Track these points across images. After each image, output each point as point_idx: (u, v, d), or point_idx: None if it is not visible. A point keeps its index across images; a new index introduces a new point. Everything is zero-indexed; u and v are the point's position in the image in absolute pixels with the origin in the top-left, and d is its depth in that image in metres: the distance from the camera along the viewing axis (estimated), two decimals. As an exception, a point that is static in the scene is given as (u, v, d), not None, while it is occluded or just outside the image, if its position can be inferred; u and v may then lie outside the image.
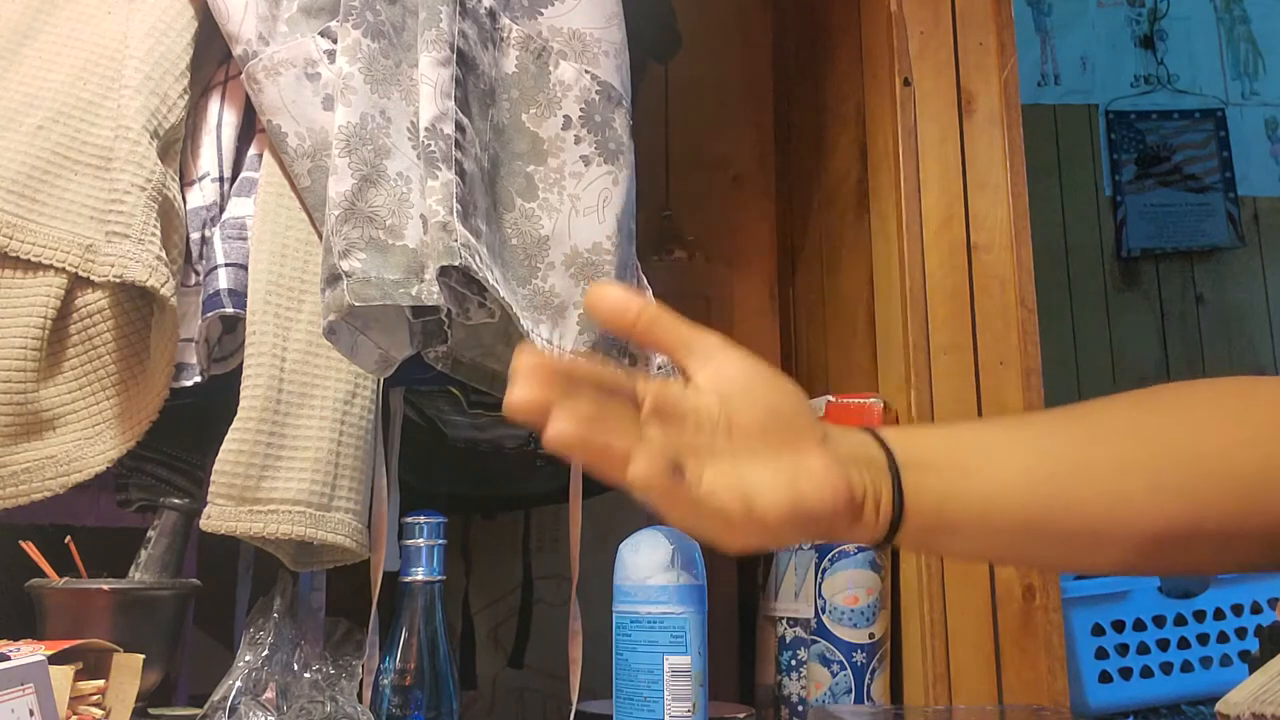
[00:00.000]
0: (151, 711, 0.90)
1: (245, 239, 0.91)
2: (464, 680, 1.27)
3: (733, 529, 0.47)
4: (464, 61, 0.84)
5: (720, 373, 0.51)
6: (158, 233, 0.88)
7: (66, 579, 0.88)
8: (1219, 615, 1.24)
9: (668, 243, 1.54)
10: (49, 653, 0.72)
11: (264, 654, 0.88)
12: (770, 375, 0.52)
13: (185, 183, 0.95)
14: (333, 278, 0.78)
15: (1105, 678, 1.20)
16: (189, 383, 0.90)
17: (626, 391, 0.49)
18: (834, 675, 0.97)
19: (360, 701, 0.87)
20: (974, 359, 0.98)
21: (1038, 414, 0.79)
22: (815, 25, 1.43)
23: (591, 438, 0.46)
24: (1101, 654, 1.20)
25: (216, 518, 0.83)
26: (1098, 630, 1.21)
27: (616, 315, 0.50)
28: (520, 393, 0.45)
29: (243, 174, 0.95)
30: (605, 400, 0.47)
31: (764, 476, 0.48)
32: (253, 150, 0.96)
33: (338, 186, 0.79)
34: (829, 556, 1.00)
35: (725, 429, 0.50)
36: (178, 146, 0.94)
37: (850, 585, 0.98)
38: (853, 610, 0.98)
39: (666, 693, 0.84)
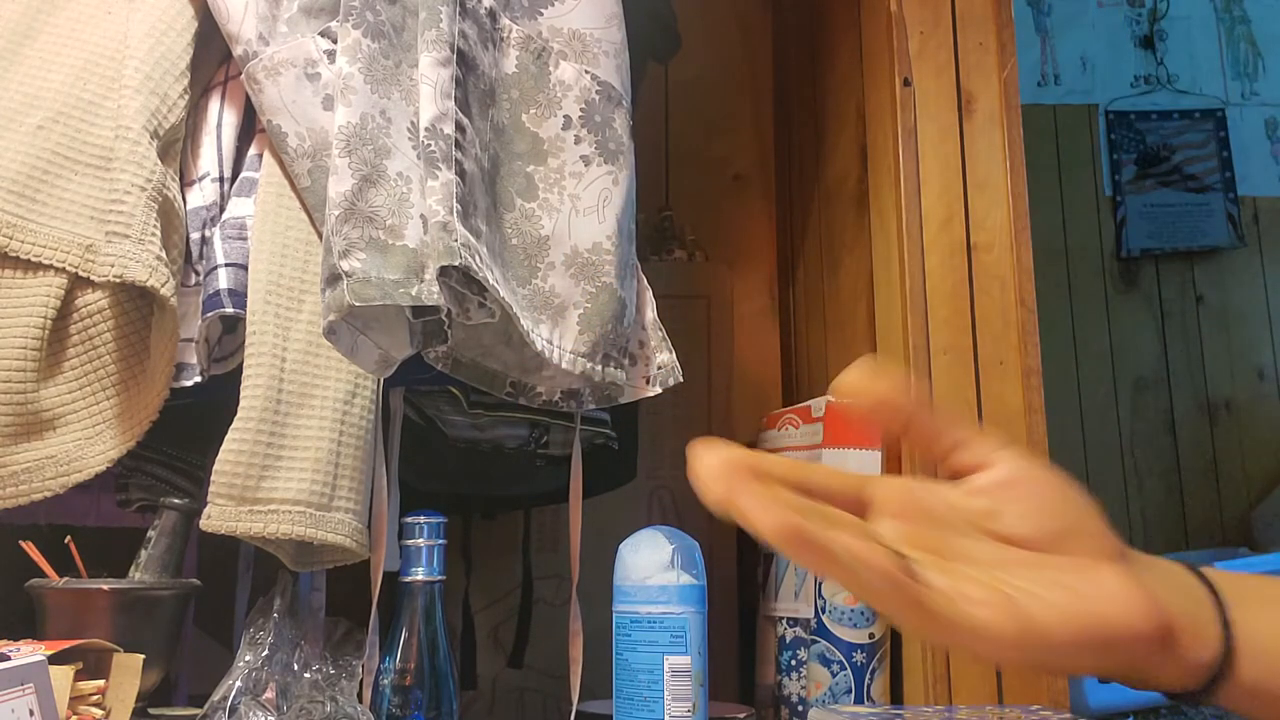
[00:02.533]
0: (151, 711, 0.90)
1: (245, 239, 0.91)
2: (464, 680, 1.27)
3: (998, 643, 0.39)
4: (464, 61, 0.84)
5: (996, 475, 0.44)
6: (158, 233, 0.88)
7: (66, 579, 0.88)
8: (1219, 615, 1.24)
9: (668, 243, 1.54)
10: (49, 653, 0.72)
11: (264, 654, 0.88)
12: (1057, 482, 0.45)
13: (185, 183, 0.95)
14: (333, 278, 0.78)
15: (1105, 677, 1.20)
16: (189, 383, 0.90)
17: (842, 496, 0.42)
18: (834, 675, 0.97)
19: (360, 701, 0.87)
20: (974, 359, 0.98)
21: None
22: (815, 25, 1.43)
23: (806, 528, 0.37)
24: (1101, 654, 1.20)
25: (216, 518, 0.83)
26: (1098, 630, 1.21)
27: (886, 400, 0.43)
28: (714, 493, 0.37)
29: (243, 174, 0.95)
30: (814, 500, 0.40)
31: (1038, 587, 0.40)
32: (253, 150, 0.97)
33: (338, 186, 0.79)
34: (829, 556, 1.00)
35: (989, 534, 0.43)
36: (178, 146, 0.94)
37: (850, 585, 0.98)
38: (853, 610, 0.98)
39: (666, 693, 0.84)
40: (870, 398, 0.43)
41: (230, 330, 0.93)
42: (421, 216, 0.80)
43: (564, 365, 0.85)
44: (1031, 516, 0.44)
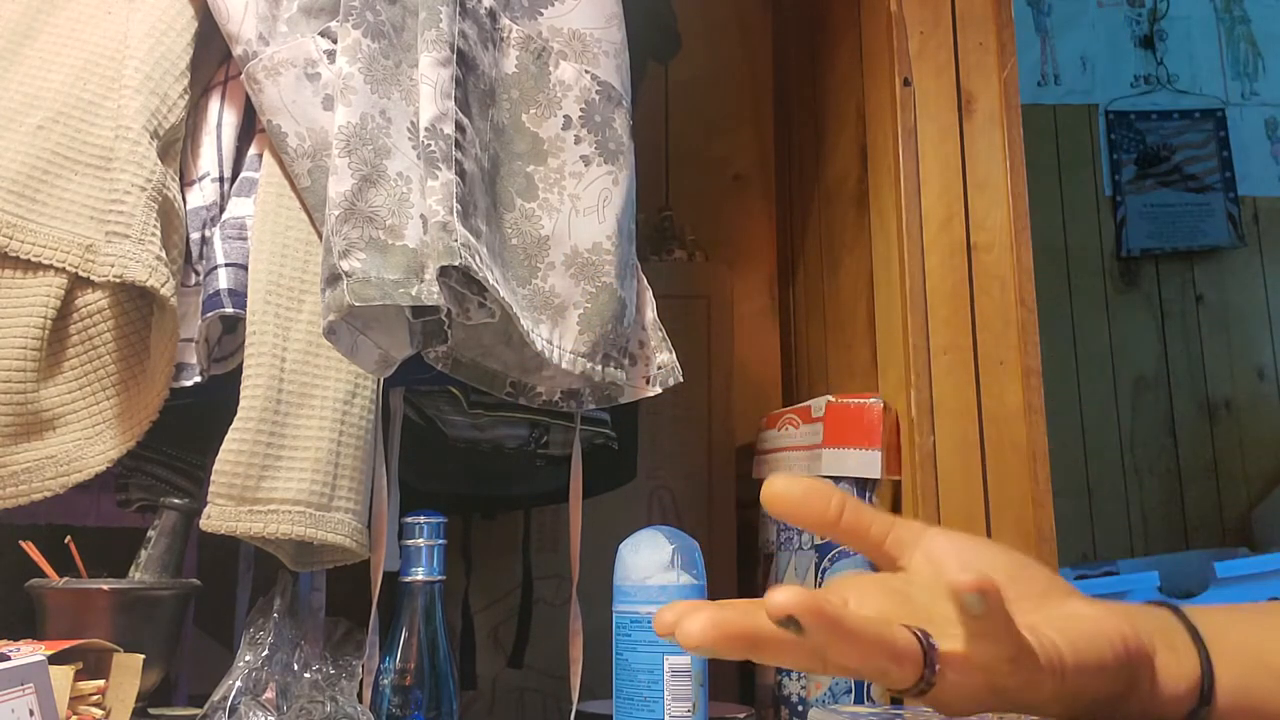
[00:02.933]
0: (151, 711, 0.90)
1: (245, 239, 0.91)
2: (464, 680, 1.27)
3: (1031, 675, 0.39)
4: (464, 61, 0.84)
5: (933, 551, 0.46)
6: (158, 233, 0.88)
7: (66, 579, 0.88)
8: (1219, 615, 1.24)
9: (668, 243, 1.54)
10: (49, 653, 0.72)
11: (264, 654, 0.88)
12: (986, 543, 0.48)
13: (185, 183, 0.95)
14: (333, 278, 0.78)
15: None
16: (189, 383, 0.90)
17: None
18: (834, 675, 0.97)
19: (360, 701, 0.87)
20: (974, 359, 0.98)
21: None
22: (815, 25, 1.43)
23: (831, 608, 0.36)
24: (1101, 654, 1.20)
25: (216, 518, 0.83)
26: (1098, 630, 1.21)
27: (810, 512, 0.44)
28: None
29: (243, 174, 0.95)
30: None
31: (1027, 626, 0.40)
32: (253, 150, 0.96)
33: (338, 186, 0.79)
34: (829, 556, 1.00)
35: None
36: (178, 146, 0.94)
37: (850, 585, 0.98)
38: (853, 610, 0.98)
39: (666, 693, 0.84)
40: (797, 509, 0.44)
41: (230, 330, 0.93)
42: (421, 216, 0.80)
43: (564, 365, 0.85)
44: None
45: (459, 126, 0.81)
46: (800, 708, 1.02)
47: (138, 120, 0.89)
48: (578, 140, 0.90)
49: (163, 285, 0.86)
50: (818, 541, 1.01)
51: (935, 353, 0.98)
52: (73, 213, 0.88)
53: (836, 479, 1.01)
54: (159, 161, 0.90)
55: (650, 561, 0.87)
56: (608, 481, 1.19)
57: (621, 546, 0.90)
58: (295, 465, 0.86)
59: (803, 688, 1.02)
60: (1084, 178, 2.25)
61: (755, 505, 1.18)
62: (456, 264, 0.76)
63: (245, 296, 0.89)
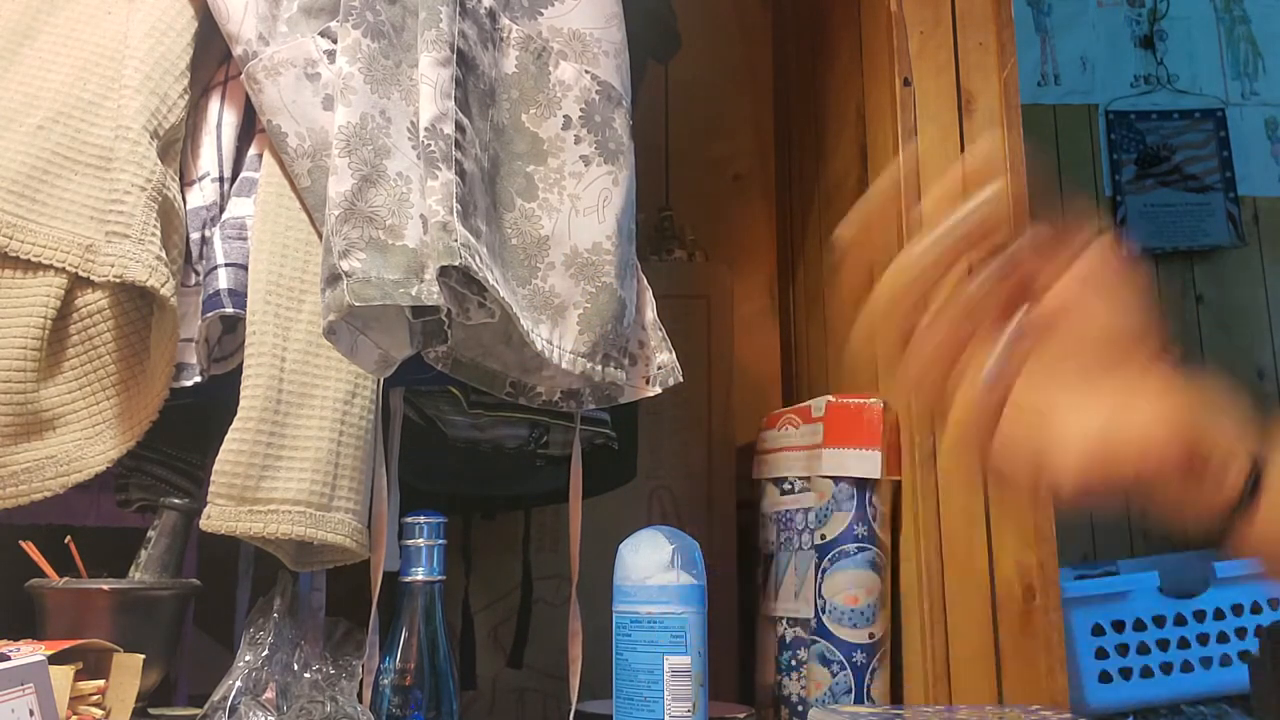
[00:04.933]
0: (151, 711, 0.90)
1: (245, 239, 0.91)
2: (464, 680, 1.27)
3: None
4: (464, 62, 0.84)
5: (1079, 270, 0.53)
6: (158, 233, 0.88)
7: (66, 579, 0.88)
8: (1219, 615, 1.24)
9: (668, 243, 1.54)
10: (49, 653, 0.72)
11: (264, 654, 0.88)
12: (1123, 287, 0.53)
13: (185, 183, 0.95)
14: (333, 278, 0.78)
15: (1105, 678, 1.20)
16: (189, 383, 0.90)
17: None
18: (834, 675, 0.97)
19: (360, 701, 0.87)
20: (974, 359, 0.97)
21: None
22: (815, 25, 1.43)
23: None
24: (1101, 654, 1.20)
25: (216, 518, 0.83)
26: (1098, 630, 1.21)
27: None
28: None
29: (243, 174, 0.95)
30: None
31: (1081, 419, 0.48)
32: (253, 150, 0.96)
33: (338, 186, 0.79)
34: (829, 556, 1.00)
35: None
36: (178, 146, 0.94)
37: (850, 585, 0.98)
38: (853, 610, 0.98)
39: (666, 693, 0.84)
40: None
41: (230, 330, 0.93)
42: (421, 216, 0.80)
43: (564, 365, 0.85)
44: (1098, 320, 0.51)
45: (459, 126, 0.81)
46: (800, 708, 1.02)
47: (138, 120, 0.89)
48: (578, 140, 0.90)
49: (163, 285, 0.86)
50: (817, 541, 1.01)
51: (935, 353, 0.97)
52: (73, 213, 0.88)
53: (836, 479, 1.01)
54: (159, 161, 0.90)
55: (650, 561, 0.87)
56: (608, 481, 1.19)
57: (621, 546, 0.90)
58: (295, 465, 0.86)
59: (802, 688, 1.02)
60: (1084, 178, 2.25)
61: (755, 505, 1.18)
62: (456, 264, 0.76)
63: (245, 296, 0.89)
